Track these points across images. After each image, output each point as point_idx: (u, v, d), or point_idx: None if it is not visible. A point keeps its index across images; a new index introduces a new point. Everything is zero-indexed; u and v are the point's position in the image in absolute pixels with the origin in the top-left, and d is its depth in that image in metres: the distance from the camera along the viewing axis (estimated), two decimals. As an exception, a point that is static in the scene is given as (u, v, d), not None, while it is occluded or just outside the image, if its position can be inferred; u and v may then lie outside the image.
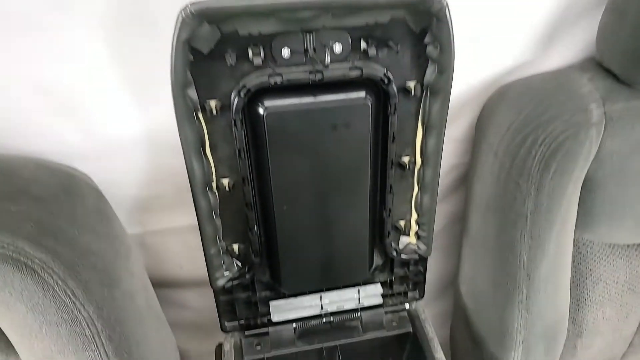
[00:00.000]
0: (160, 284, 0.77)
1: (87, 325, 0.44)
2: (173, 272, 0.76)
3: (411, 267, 0.66)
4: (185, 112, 0.47)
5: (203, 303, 0.84)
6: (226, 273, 0.59)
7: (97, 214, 0.49)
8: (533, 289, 0.59)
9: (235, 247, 0.58)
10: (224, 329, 0.65)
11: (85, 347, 0.44)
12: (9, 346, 0.48)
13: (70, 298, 0.42)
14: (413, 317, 0.68)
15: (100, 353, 0.45)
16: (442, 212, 0.79)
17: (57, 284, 0.42)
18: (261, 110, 0.48)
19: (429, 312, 0.69)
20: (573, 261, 0.65)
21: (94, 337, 0.45)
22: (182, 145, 0.49)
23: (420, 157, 0.55)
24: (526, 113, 0.57)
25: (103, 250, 0.47)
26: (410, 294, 0.68)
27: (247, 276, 0.60)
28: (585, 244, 0.64)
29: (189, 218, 0.57)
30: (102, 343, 0.45)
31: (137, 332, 0.50)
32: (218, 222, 0.55)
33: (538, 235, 0.56)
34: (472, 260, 0.67)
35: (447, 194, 0.76)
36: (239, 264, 0.59)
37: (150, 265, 0.74)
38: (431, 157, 0.54)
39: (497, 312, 0.63)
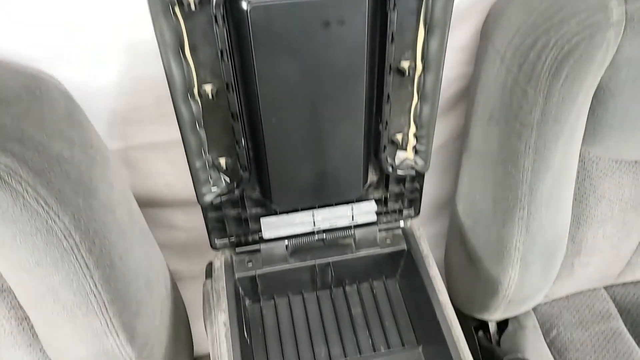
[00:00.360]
0: (148, 204, 0.75)
1: (64, 237, 0.41)
2: (160, 191, 0.73)
3: (407, 184, 0.63)
4: (160, 5, 0.42)
5: (193, 223, 0.82)
6: (214, 189, 0.56)
7: (68, 119, 0.45)
8: (534, 205, 0.57)
9: (222, 161, 0.55)
10: (213, 246, 0.64)
11: (64, 259, 0.42)
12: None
13: (42, 207, 0.39)
14: (408, 235, 0.66)
15: (80, 265, 0.43)
16: (441, 129, 0.75)
17: (26, 191, 0.39)
18: (244, 5, 0.43)
19: (426, 232, 0.67)
20: (577, 177, 0.62)
21: (72, 249, 0.42)
22: (159, 46, 0.44)
23: (421, 61, 0.50)
24: (537, 13, 0.51)
25: (76, 159, 0.43)
26: (405, 212, 0.66)
27: (236, 192, 0.57)
28: (591, 159, 0.61)
29: (173, 132, 0.53)
30: (82, 255, 0.43)
31: (119, 246, 0.48)
32: (202, 133, 0.52)
33: (544, 147, 0.52)
34: (471, 176, 0.64)
35: (448, 109, 0.72)
36: (227, 179, 0.56)
37: (135, 184, 0.71)
38: (433, 62, 0.50)
39: (495, 229, 0.61)
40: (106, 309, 0.47)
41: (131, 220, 0.52)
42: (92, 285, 0.45)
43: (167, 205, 0.78)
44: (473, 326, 0.85)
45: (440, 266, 0.75)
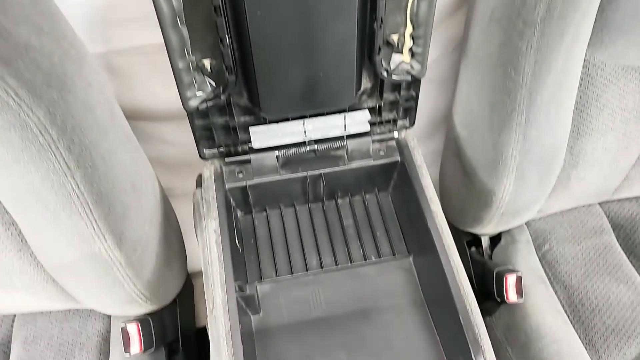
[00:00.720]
0: (135, 116, 0.73)
1: (40, 132, 0.40)
2: (146, 101, 0.70)
3: (402, 92, 0.60)
4: None
5: (184, 138, 0.80)
6: (199, 93, 0.54)
7: (35, 5, 0.41)
8: (533, 111, 0.54)
9: (207, 62, 0.52)
10: (202, 156, 0.62)
11: (41, 155, 0.41)
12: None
13: (13, 99, 0.37)
14: (402, 147, 0.64)
15: (60, 164, 0.42)
16: (439, 39, 0.71)
17: None
18: None
19: (421, 150, 0.65)
20: (580, 85, 0.59)
21: (50, 146, 0.41)
22: None
23: (418, -50, 0.46)
24: None
25: (47, 49, 0.40)
26: (400, 122, 0.64)
27: (222, 97, 0.55)
28: (596, 65, 0.58)
29: (156, 34, 0.50)
30: (61, 153, 0.41)
31: (101, 146, 0.46)
32: (184, 31, 0.48)
33: (546, 47, 0.49)
34: (469, 83, 0.61)
35: (447, 15, 0.68)
36: (212, 82, 0.54)
37: (120, 94, 0.68)
38: None
39: (491, 137, 0.59)
40: (90, 210, 0.46)
41: (113, 123, 0.50)
42: (74, 186, 0.44)
43: (156, 118, 0.76)
44: (466, 242, 0.86)
45: (435, 185, 0.74)
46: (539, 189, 0.65)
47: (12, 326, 0.75)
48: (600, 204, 0.83)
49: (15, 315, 0.75)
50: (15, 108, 0.37)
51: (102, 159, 0.46)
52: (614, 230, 0.80)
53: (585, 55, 0.56)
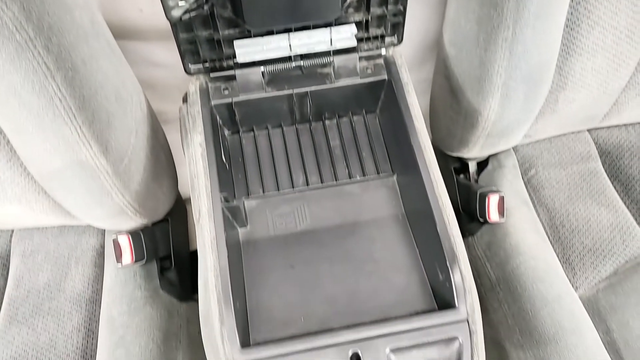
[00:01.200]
0: (123, 35, 0.72)
1: (16, 29, 0.40)
2: (133, 17, 0.69)
3: (390, 6, 0.59)
4: None
5: (173, 59, 0.79)
6: (181, 3, 0.53)
7: None
8: (520, 25, 0.54)
9: (188, -31, 0.51)
10: (187, 71, 0.62)
11: (19, 54, 0.41)
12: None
13: None
14: (389, 64, 0.64)
15: (39, 63, 0.42)
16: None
17: None
18: None
19: (412, 77, 0.65)
20: (571, 1, 0.58)
21: (27, 44, 0.41)
22: None
23: None
24: None
25: None
26: (387, 39, 0.63)
27: (206, 7, 0.54)
28: (588, -21, 0.57)
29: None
30: (39, 52, 0.42)
31: (81, 50, 0.46)
32: None
33: (535, -45, 0.48)
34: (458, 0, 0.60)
35: None
36: (195, -9, 0.53)
37: (106, 10, 0.67)
38: None
39: (478, 53, 0.59)
40: (74, 115, 0.47)
41: (94, 29, 0.50)
42: (55, 88, 0.44)
43: (144, 37, 0.75)
44: (454, 168, 0.87)
45: (426, 115, 0.73)
46: (525, 109, 0.65)
47: (10, 241, 0.77)
48: (589, 130, 0.83)
49: (13, 231, 0.77)
50: None
51: (83, 62, 0.46)
52: (600, 156, 0.81)
53: (578, -32, 0.55)
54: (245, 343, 0.51)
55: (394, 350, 0.49)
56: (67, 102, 0.46)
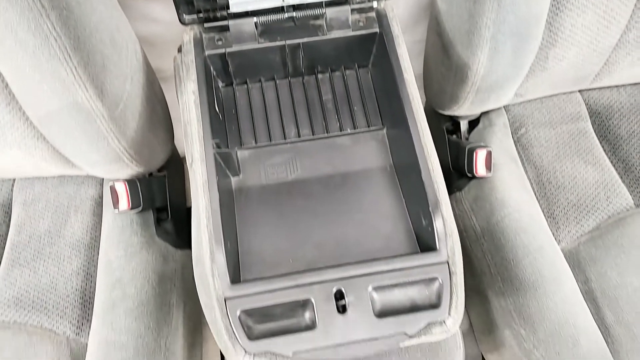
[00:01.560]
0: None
1: None
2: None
3: (382, -43, 0.60)
4: None
5: (170, 15, 0.80)
6: (175, -50, 0.54)
7: None
8: (508, -24, 0.55)
9: None
10: (182, 21, 0.63)
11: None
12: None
13: None
14: (381, 17, 0.65)
15: (34, 1, 0.43)
16: None
17: None
18: None
19: (406, 39, 0.66)
20: (561, -46, 0.59)
21: None
22: None
23: None
24: None
25: None
26: (379, -8, 0.64)
27: (199, -45, 0.55)
28: None
29: None
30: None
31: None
32: None
33: None
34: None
35: None
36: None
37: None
38: None
39: (467, 7, 0.59)
40: (70, 56, 0.48)
41: None
42: (49, 26, 0.45)
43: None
44: (446, 128, 0.88)
45: (419, 78, 0.74)
46: (514, 64, 0.66)
47: (11, 190, 0.80)
48: (580, 92, 0.84)
49: (14, 180, 0.80)
50: None
51: (77, 3, 0.47)
52: (590, 116, 0.82)
53: None
54: (236, 280, 0.54)
55: (376, 289, 0.52)
56: (62, 41, 0.47)
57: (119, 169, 0.66)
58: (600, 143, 0.80)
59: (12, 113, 0.58)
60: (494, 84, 0.68)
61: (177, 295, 0.71)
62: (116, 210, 0.69)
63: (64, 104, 0.53)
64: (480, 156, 0.72)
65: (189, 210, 0.93)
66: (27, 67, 0.49)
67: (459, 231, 0.54)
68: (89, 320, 0.68)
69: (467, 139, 0.84)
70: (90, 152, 0.61)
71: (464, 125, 0.84)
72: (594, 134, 0.81)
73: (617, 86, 0.83)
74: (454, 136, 0.88)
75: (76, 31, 0.48)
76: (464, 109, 0.75)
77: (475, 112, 0.79)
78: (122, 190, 0.68)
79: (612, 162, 0.79)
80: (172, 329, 0.68)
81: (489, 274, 0.71)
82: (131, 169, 0.67)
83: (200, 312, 0.80)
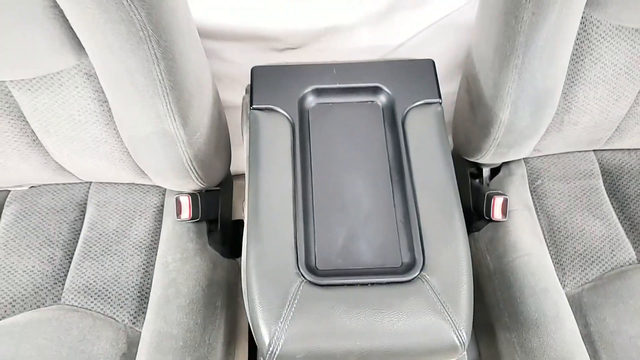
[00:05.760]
0: (201, 34, 0.86)
1: (141, 28, 0.54)
2: (211, 20, 0.84)
3: None
4: None
5: (237, 57, 0.94)
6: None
7: None
8: (528, 56, 0.65)
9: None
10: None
11: (140, 46, 0.55)
12: (80, 48, 0.59)
13: (126, 0, 0.51)
14: None
15: (151, 54, 0.56)
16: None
17: None
18: None
19: (442, 90, 0.76)
20: (577, 39, 0.69)
21: (146, 39, 0.55)
22: None
23: None
24: None
25: None
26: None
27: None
28: (592, 22, 0.67)
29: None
30: (153, 46, 0.56)
31: (179, 45, 0.60)
32: None
33: (543, 1, 0.59)
34: (481, 28, 0.72)
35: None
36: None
37: (194, 12, 0.82)
38: None
39: (493, 75, 0.70)
40: (167, 93, 0.61)
41: (188, 28, 0.64)
42: (158, 72, 0.58)
43: (217, 37, 0.90)
44: (470, 173, 0.98)
45: (449, 125, 0.84)
46: (531, 127, 0.76)
47: (88, 192, 0.93)
48: (594, 151, 0.93)
49: (91, 183, 0.93)
50: (126, 7, 0.51)
51: (180, 54, 0.60)
52: (602, 175, 0.91)
53: (583, 13, 0.65)
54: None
55: None
56: (164, 83, 0.60)
57: (185, 184, 0.78)
58: (610, 200, 0.88)
59: (108, 131, 0.71)
60: (513, 141, 0.78)
61: (222, 298, 0.82)
62: (178, 218, 0.81)
63: (155, 130, 0.65)
64: (497, 202, 0.82)
65: (234, 222, 1.05)
66: (134, 100, 0.61)
67: (473, 268, 0.62)
68: (144, 313, 0.79)
69: (488, 185, 0.93)
70: (167, 169, 0.73)
71: (486, 172, 0.94)
72: (604, 191, 0.89)
73: (628, 149, 0.92)
74: (477, 181, 0.97)
75: (176, 76, 0.60)
76: (487, 159, 0.85)
77: (496, 162, 0.89)
78: (185, 202, 0.80)
79: (619, 218, 0.87)
80: (216, 327, 0.78)
81: (497, 309, 0.79)
82: (195, 185, 0.79)
83: (237, 317, 0.91)
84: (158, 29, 0.55)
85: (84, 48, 0.59)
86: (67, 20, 0.55)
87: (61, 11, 0.54)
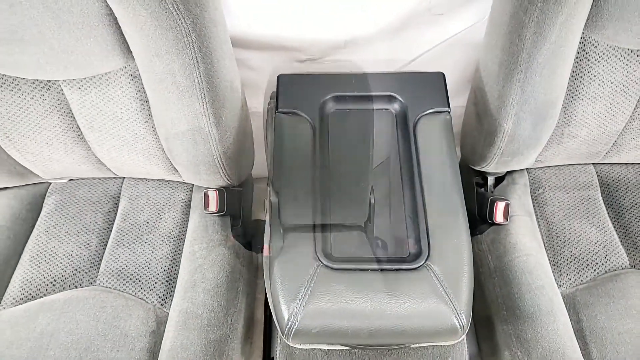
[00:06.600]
0: (232, 42, 0.94)
1: (186, 34, 0.61)
2: (241, 30, 0.91)
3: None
4: None
5: (262, 65, 1.01)
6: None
7: None
8: (530, 71, 0.72)
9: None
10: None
11: (184, 51, 0.63)
12: (128, 52, 0.67)
13: (175, 10, 0.59)
14: None
15: (193, 58, 0.64)
16: (477, 6, 0.88)
17: None
18: None
19: (452, 103, 0.83)
20: (576, 58, 0.76)
21: (190, 45, 0.62)
22: None
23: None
24: None
25: None
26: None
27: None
28: (590, 42, 0.74)
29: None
30: (195, 51, 0.63)
31: (217, 52, 0.68)
32: None
33: (544, 22, 0.66)
34: (488, 45, 0.79)
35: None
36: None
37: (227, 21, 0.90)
38: None
39: (497, 88, 0.77)
40: (204, 94, 0.68)
41: (225, 38, 0.72)
42: (198, 75, 0.66)
43: (245, 46, 0.97)
44: (476, 182, 1.04)
45: (457, 136, 0.91)
46: (533, 137, 0.82)
47: (121, 187, 1.00)
48: (594, 164, 0.99)
49: (124, 178, 1.01)
50: (175, 15, 0.59)
51: (217, 60, 0.68)
52: (600, 186, 0.97)
53: (582, 34, 0.72)
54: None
55: None
56: (203, 84, 0.67)
57: (213, 180, 0.86)
58: (607, 210, 0.94)
59: (147, 129, 0.79)
60: (515, 150, 0.84)
61: (243, 284, 0.89)
62: (206, 210, 0.88)
63: (190, 127, 0.73)
64: (499, 206, 0.88)
65: (254, 222, 1.12)
66: (174, 99, 0.69)
67: (475, 267, 0.68)
68: (172, 295, 0.87)
69: (492, 192, 1.00)
70: (199, 164, 0.81)
71: (490, 181, 1.00)
72: (601, 202, 0.95)
73: (626, 164, 0.98)
74: (482, 189, 1.04)
75: (213, 79, 0.68)
76: (491, 168, 0.91)
77: (501, 170, 0.95)
78: (213, 196, 0.88)
79: (614, 226, 0.93)
80: (238, 310, 0.85)
81: (496, 304, 0.85)
82: (222, 181, 0.87)
83: (255, 302, 0.98)
84: (200, 36, 0.63)
85: (131, 52, 0.67)
86: (120, 27, 0.63)
87: (115, 18, 0.62)
